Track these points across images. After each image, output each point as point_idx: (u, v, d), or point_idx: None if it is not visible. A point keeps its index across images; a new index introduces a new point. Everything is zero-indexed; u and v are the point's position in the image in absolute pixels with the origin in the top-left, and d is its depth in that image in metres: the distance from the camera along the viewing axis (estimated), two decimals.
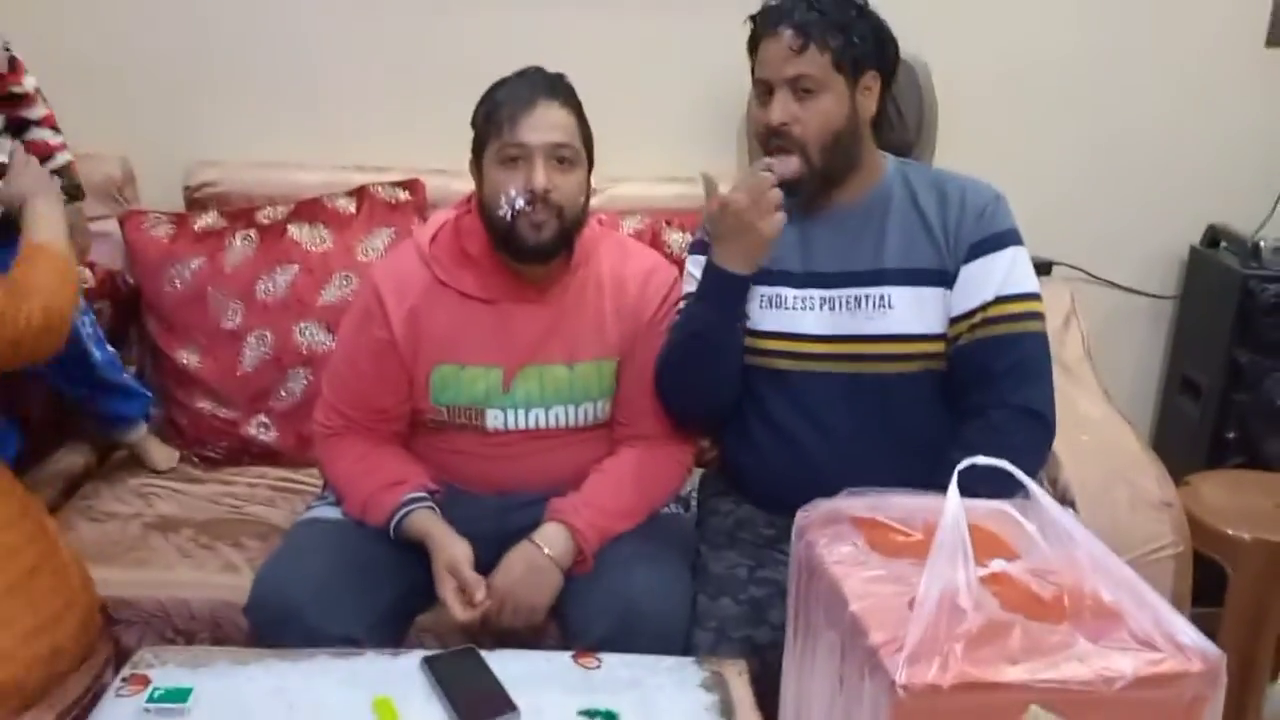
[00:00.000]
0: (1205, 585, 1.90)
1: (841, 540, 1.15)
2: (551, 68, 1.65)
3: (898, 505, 1.17)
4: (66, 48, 2.02)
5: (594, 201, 2.10)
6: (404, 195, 2.17)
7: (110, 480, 1.99)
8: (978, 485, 1.11)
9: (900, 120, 2.04)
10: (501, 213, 1.58)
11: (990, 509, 1.15)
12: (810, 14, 1.52)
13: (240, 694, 1.34)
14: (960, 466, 1.08)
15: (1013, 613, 1.01)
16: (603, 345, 1.68)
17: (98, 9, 1.95)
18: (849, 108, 1.55)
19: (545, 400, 1.67)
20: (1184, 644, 0.99)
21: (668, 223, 2.13)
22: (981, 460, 1.10)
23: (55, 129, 1.81)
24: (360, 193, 2.16)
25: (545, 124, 1.57)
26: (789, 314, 1.62)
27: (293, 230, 2.10)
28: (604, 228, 1.80)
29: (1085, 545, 1.08)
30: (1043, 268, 2.28)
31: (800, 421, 1.62)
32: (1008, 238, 1.57)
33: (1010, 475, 1.12)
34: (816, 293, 1.61)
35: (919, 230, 1.58)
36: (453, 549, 1.56)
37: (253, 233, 2.09)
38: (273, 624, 1.51)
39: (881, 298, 1.57)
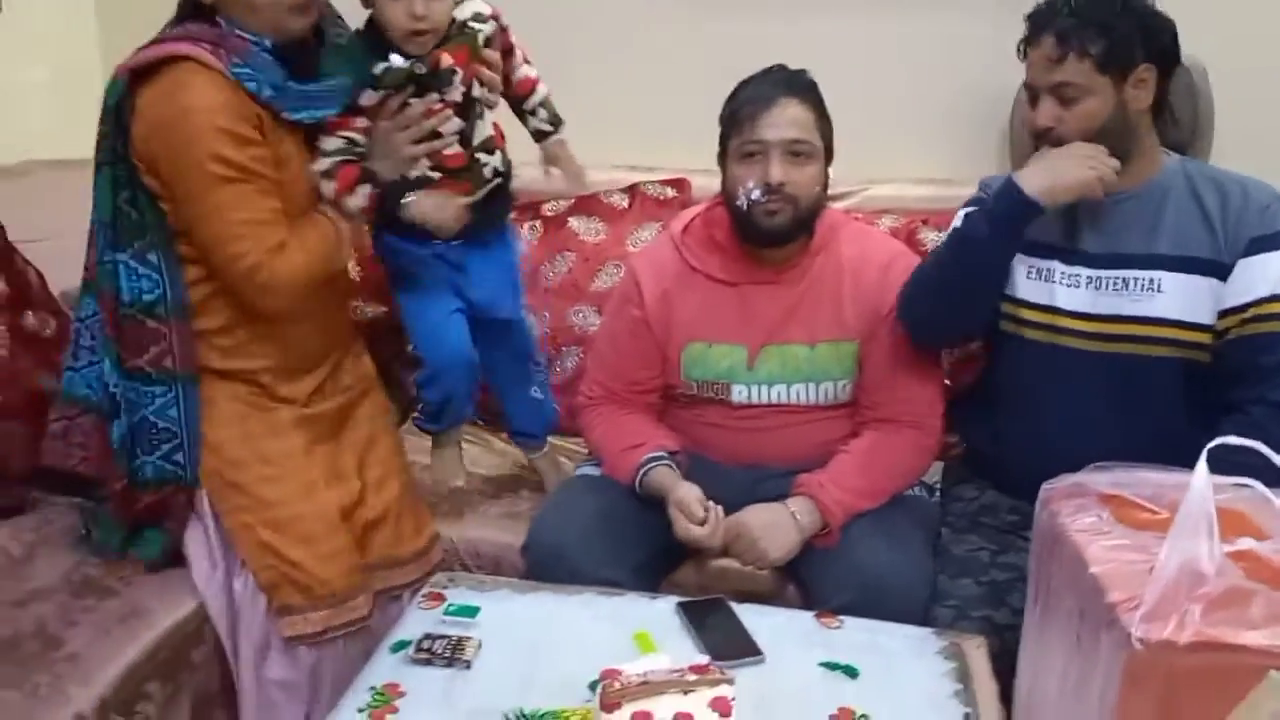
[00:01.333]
0: None
1: (1085, 512, 1.19)
2: (813, 71, 1.75)
3: (1145, 481, 1.19)
4: None
5: (850, 202, 2.21)
6: (671, 192, 2.34)
7: (413, 435, 2.25)
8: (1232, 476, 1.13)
9: (1173, 121, 2.02)
10: (739, 203, 1.71)
11: (1243, 493, 1.16)
12: (1069, 20, 1.55)
13: (519, 616, 1.53)
14: (1210, 445, 1.11)
15: (1257, 583, 1.03)
16: (842, 327, 1.77)
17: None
18: (1115, 105, 1.57)
19: (787, 377, 1.78)
20: None
21: (924, 222, 2.18)
22: (1233, 440, 1.12)
23: (528, 62, 1.82)
24: (632, 190, 2.35)
25: (782, 121, 1.68)
26: (1054, 288, 1.66)
27: (573, 222, 2.31)
28: (846, 215, 1.88)
29: None
30: None
31: (1051, 398, 1.66)
32: None
33: (1266, 469, 1.14)
34: (1084, 271, 1.64)
35: (1197, 221, 1.59)
36: (683, 489, 1.70)
37: (538, 223, 2.31)
38: (545, 563, 1.69)
39: (1150, 281, 1.59)
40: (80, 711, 1.43)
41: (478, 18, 1.70)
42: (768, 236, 1.73)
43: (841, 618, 1.54)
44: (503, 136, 1.79)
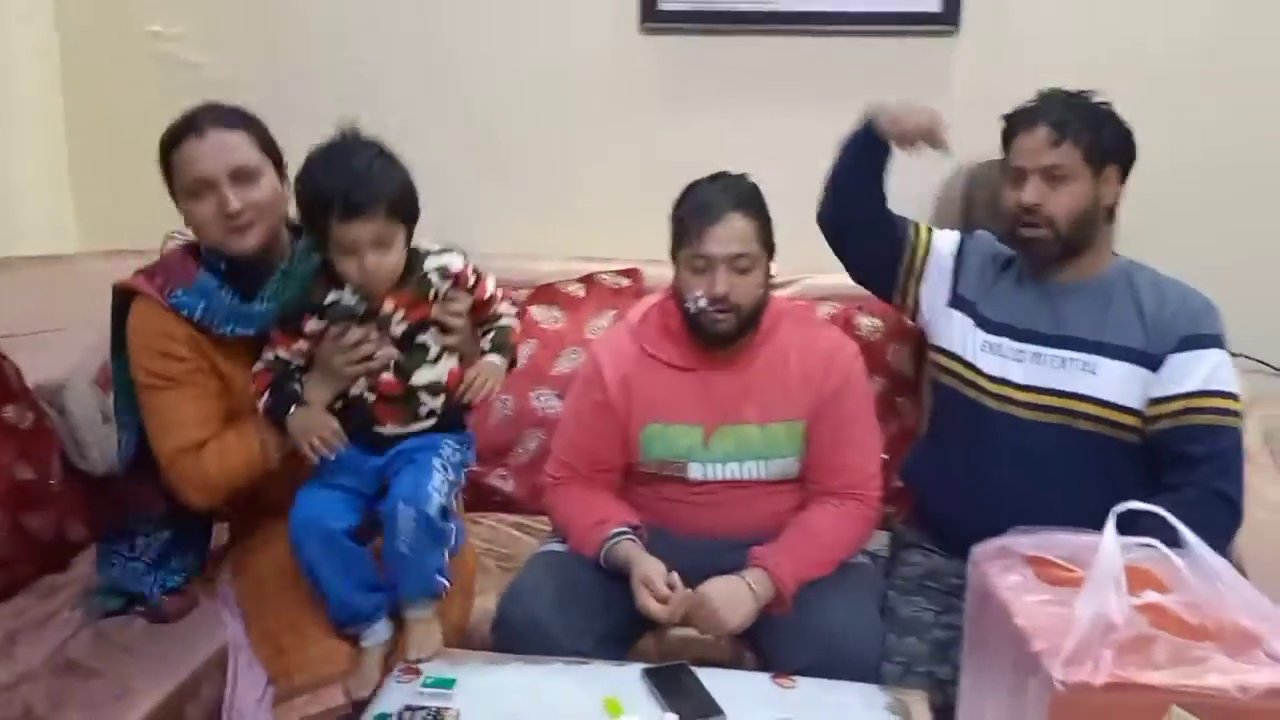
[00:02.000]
0: None
1: (1011, 571, 1.34)
2: (757, 166, 1.92)
3: (1063, 543, 1.34)
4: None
5: (791, 290, 2.37)
6: (626, 282, 2.48)
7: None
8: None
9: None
10: (688, 307, 1.87)
11: (1149, 554, 1.30)
12: (1067, 114, 1.79)
13: (494, 687, 1.62)
14: (1117, 509, 1.26)
15: (1160, 631, 1.17)
16: (791, 407, 1.92)
17: (358, 99, 2.34)
18: (1092, 195, 1.80)
19: (740, 455, 1.91)
20: None
21: (859, 309, 2.35)
22: (1137, 505, 1.27)
23: (510, 301, 1.90)
24: (588, 280, 2.49)
25: (726, 236, 1.83)
26: (1006, 362, 1.86)
27: (532, 311, 2.44)
28: (788, 301, 2.05)
29: (1232, 584, 1.23)
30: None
31: (1001, 464, 1.84)
32: (1217, 341, 1.77)
33: (1173, 536, 1.28)
34: (1030, 347, 1.85)
35: (1134, 316, 1.80)
36: (647, 565, 1.81)
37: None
38: (516, 637, 1.77)
39: (1086, 364, 1.80)
40: None
41: (442, 272, 1.74)
42: (714, 339, 1.88)
43: (795, 678, 1.65)
44: (459, 383, 1.78)
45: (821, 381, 1.92)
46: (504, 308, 1.87)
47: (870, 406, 1.98)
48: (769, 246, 1.89)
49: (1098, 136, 1.79)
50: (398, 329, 1.73)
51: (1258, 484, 2.07)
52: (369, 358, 1.72)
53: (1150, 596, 1.24)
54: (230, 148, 1.71)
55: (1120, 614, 1.16)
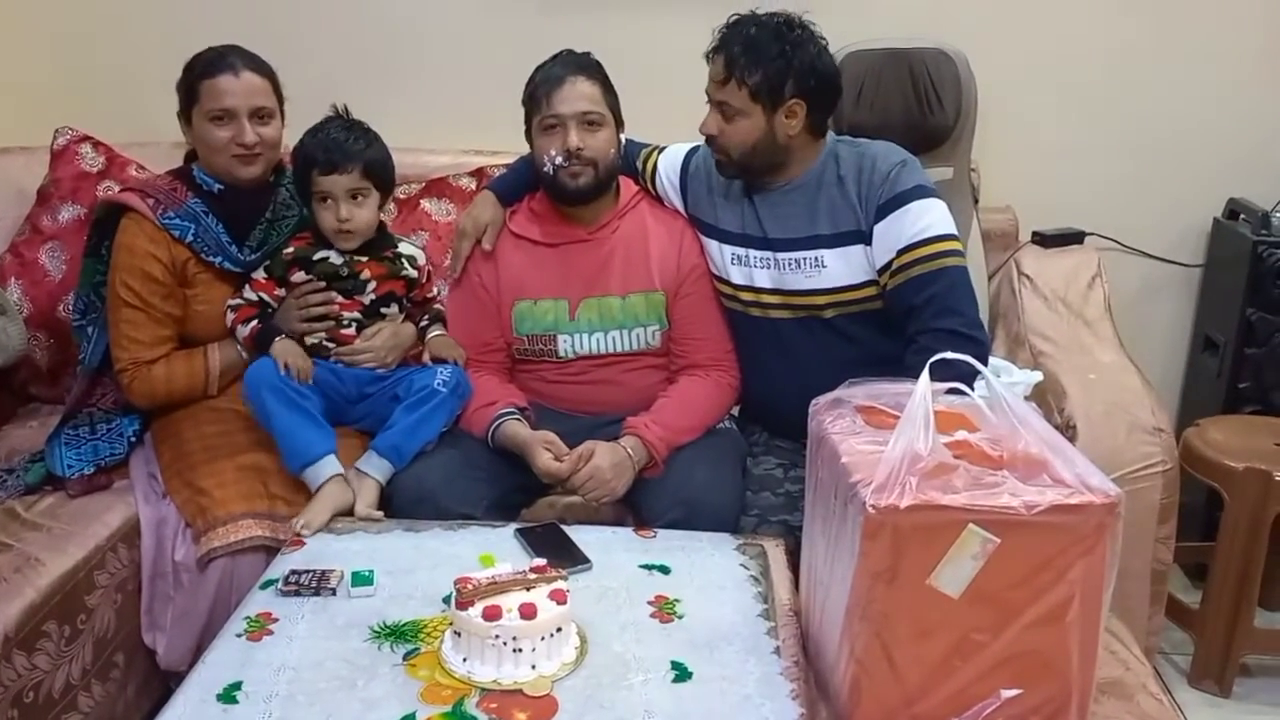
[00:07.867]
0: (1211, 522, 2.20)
1: (842, 419, 1.47)
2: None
3: (888, 392, 1.48)
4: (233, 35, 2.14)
5: None
6: None
7: None
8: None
9: (940, 107, 2.35)
10: (546, 169, 1.98)
11: (962, 399, 1.45)
12: (738, 49, 1.83)
13: (376, 551, 1.73)
14: (931, 360, 1.40)
15: (961, 461, 1.32)
16: (648, 280, 2.04)
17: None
18: (765, 129, 1.87)
19: (604, 325, 2.04)
20: (1092, 484, 1.27)
21: None
22: (950, 355, 1.41)
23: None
24: (478, 173, 2.56)
25: (574, 96, 1.95)
26: (752, 271, 1.98)
27: (424, 204, 2.52)
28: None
29: (1027, 420, 1.37)
30: (1074, 237, 2.55)
31: (774, 359, 2.00)
32: (911, 194, 1.86)
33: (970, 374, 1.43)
34: (769, 254, 1.96)
35: (841, 199, 1.91)
36: (543, 433, 1.94)
37: (392, 205, 2.49)
38: (411, 504, 1.89)
39: (816, 259, 1.92)
40: None
41: (411, 261, 2.09)
42: (575, 196, 1.99)
43: (655, 530, 1.80)
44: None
45: (679, 258, 2.05)
46: (433, 290, 2.17)
47: None
48: (616, 115, 2.00)
49: (766, 74, 1.81)
50: (368, 297, 2.03)
51: (1095, 350, 2.27)
52: (318, 319, 2.00)
53: (960, 434, 1.38)
54: (257, 90, 1.97)
55: (925, 447, 1.30)
